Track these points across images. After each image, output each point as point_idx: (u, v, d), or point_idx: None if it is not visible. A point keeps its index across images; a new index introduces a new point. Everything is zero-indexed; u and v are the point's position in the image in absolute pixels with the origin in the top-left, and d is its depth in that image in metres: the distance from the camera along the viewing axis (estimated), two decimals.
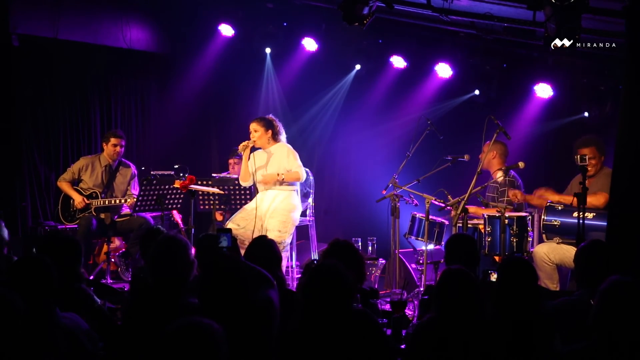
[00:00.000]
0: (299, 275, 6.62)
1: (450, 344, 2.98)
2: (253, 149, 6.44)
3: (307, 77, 8.69)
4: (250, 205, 6.50)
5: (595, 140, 6.05)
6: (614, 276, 2.75)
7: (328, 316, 2.92)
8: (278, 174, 6.31)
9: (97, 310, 3.77)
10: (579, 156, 5.36)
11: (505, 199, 6.35)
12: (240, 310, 2.98)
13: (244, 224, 6.33)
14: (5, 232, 4.89)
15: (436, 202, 6.15)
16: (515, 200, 6.25)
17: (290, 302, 3.34)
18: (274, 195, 6.38)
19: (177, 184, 6.23)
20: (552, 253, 5.75)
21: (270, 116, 6.54)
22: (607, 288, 2.70)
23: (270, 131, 6.41)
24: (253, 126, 6.42)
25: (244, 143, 6.35)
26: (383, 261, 6.85)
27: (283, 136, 6.53)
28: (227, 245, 3.67)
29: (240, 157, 7.55)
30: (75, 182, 7.11)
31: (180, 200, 6.78)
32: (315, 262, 4.49)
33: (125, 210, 7.09)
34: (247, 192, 6.72)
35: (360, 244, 6.75)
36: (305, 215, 6.99)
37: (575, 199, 5.19)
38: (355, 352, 2.91)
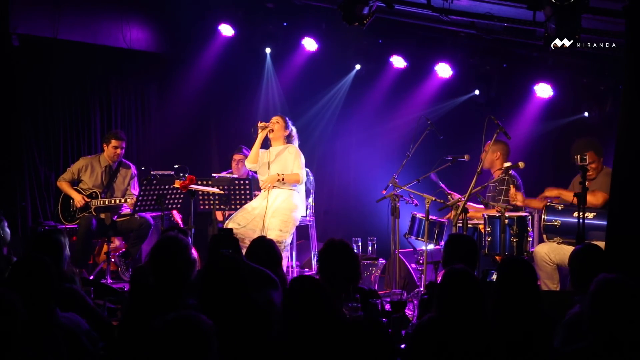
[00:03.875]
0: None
1: (450, 344, 2.97)
2: (266, 146, 6.66)
3: (307, 77, 8.69)
4: (251, 205, 6.53)
5: (592, 144, 5.94)
6: (602, 275, 2.74)
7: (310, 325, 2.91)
8: (278, 175, 6.43)
9: (90, 310, 3.78)
10: (578, 156, 5.34)
11: (503, 198, 6.34)
12: (240, 310, 2.98)
13: (244, 222, 6.38)
14: (8, 233, 4.89)
15: (437, 182, 6.18)
16: (514, 202, 6.10)
17: None
18: (276, 194, 6.44)
19: (177, 184, 6.24)
20: (552, 253, 5.74)
21: (292, 124, 6.84)
22: (596, 288, 2.70)
23: (287, 131, 6.72)
24: (276, 118, 6.75)
25: (265, 123, 6.63)
26: (383, 261, 6.84)
27: (296, 142, 6.76)
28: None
29: (243, 153, 7.60)
30: (74, 183, 7.10)
31: (180, 200, 6.78)
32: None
33: (125, 210, 7.09)
34: (247, 191, 6.73)
35: (360, 244, 6.75)
36: (306, 215, 7.00)
37: (575, 198, 5.18)
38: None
